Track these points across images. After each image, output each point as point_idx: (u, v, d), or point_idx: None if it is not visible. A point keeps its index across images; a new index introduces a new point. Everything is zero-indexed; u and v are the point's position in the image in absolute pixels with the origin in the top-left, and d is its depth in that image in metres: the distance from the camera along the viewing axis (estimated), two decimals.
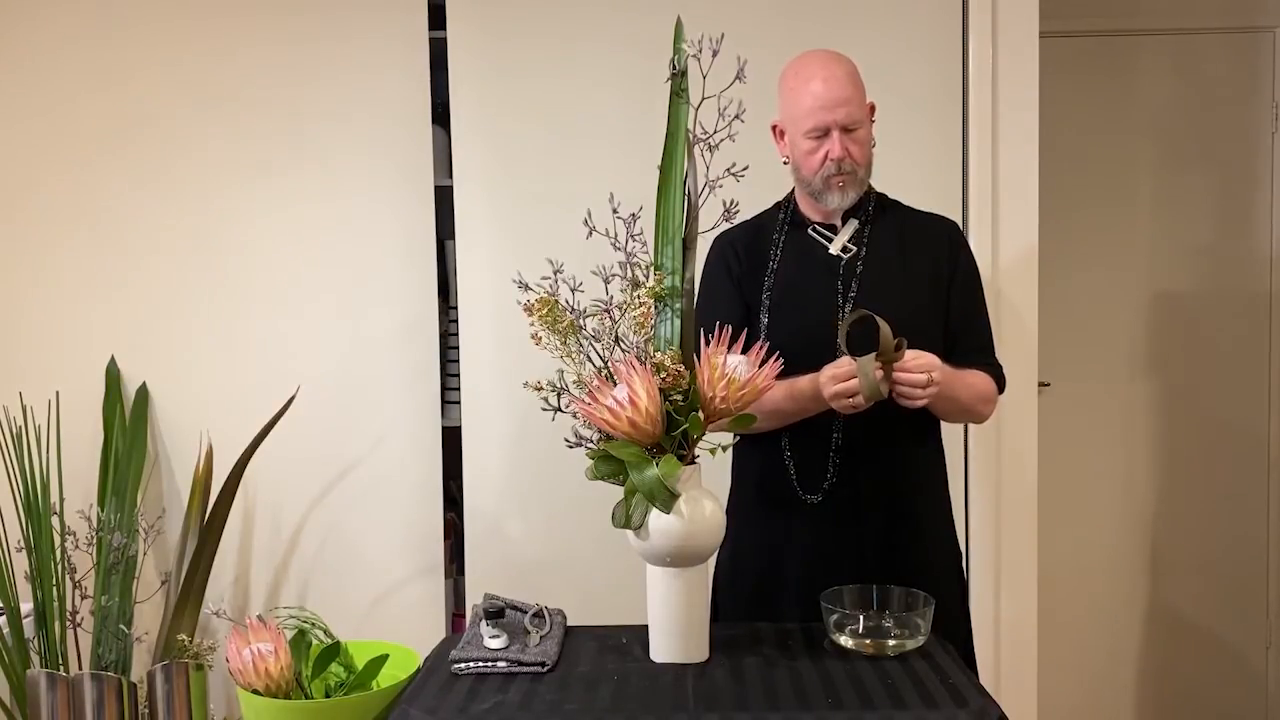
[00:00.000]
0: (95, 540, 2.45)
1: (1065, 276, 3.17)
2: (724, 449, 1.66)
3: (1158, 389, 3.33)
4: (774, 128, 1.94)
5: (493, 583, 2.45)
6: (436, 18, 2.59)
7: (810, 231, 1.95)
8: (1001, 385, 1.98)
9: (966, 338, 1.95)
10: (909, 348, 1.72)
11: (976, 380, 1.90)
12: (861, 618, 1.67)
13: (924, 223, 2.00)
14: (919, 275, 1.92)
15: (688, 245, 1.65)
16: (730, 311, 1.90)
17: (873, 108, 1.92)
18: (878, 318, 1.73)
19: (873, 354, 1.71)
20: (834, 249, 1.92)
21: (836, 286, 1.90)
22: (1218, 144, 3.28)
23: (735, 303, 1.93)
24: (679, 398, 1.56)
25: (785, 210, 1.99)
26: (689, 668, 1.60)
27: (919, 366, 1.72)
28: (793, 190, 2.00)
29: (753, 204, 1.96)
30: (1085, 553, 3.32)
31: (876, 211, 1.96)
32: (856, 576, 1.80)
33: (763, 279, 1.93)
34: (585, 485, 1.62)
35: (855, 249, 1.92)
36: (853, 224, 1.94)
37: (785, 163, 1.95)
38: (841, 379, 1.72)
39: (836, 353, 1.79)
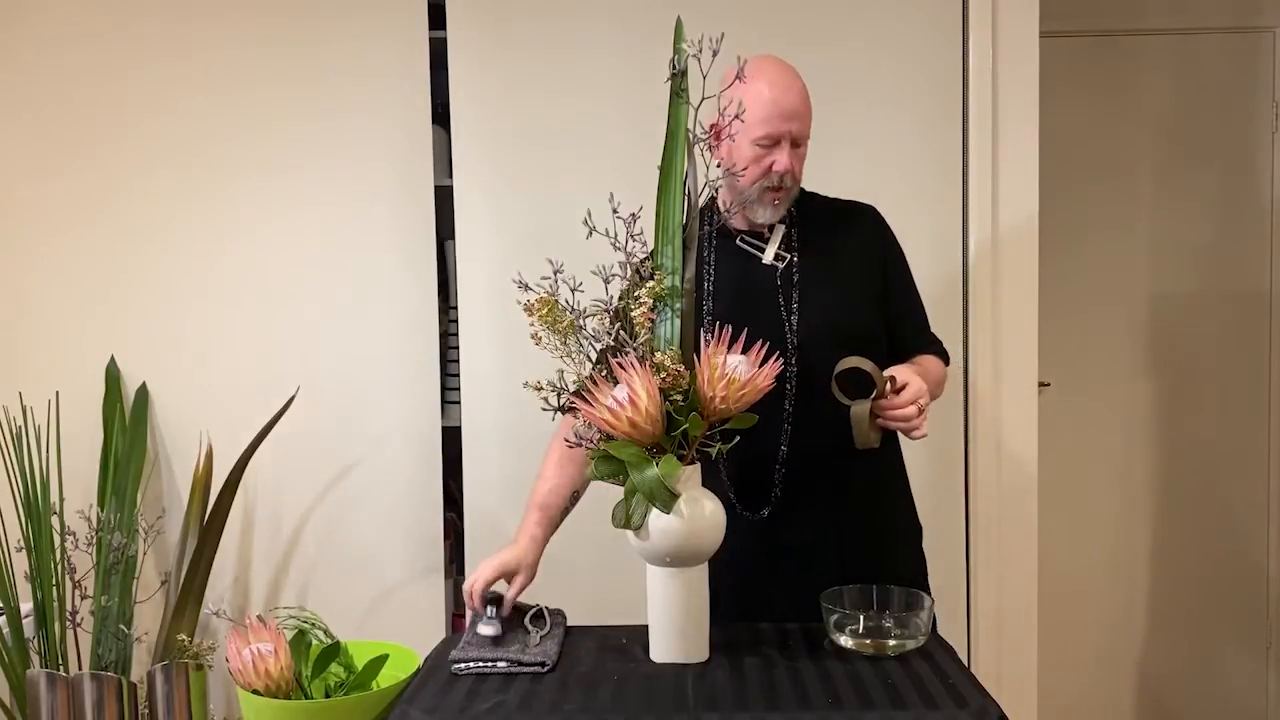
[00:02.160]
0: (95, 540, 2.45)
1: (1065, 276, 3.18)
2: (724, 448, 1.66)
3: (1158, 389, 3.33)
4: (712, 127, 1.82)
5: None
6: (436, 18, 2.59)
7: (740, 243, 1.92)
8: (946, 360, 1.99)
9: (906, 322, 1.96)
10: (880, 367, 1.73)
11: (931, 367, 1.92)
12: (861, 618, 1.67)
13: (847, 214, 1.98)
14: (853, 271, 1.92)
15: (688, 245, 1.65)
16: None
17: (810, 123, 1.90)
18: (866, 364, 1.71)
19: (868, 400, 1.71)
20: (767, 259, 1.90)
21: (777, 300, 1.88)
22: (1218, 144, 3.28)
23: None
24: (679, 398, 1.56)
25: (709, 223, 1.94)
26: (689, 668, 1.60)
27: (906, 399, 1.71)
28: (712, 200, 1.92)
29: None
30: (1085, 553, 3.32)
31: (801, 213, 1.93)
32: (835, 580, 1.77)
33: (701, 299, 1.89)
34: None
35: (788, 256, 1.90)
36: (779, 230, 1.91)
37: (718, 165, 1.86)
38: None
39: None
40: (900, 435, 1.94)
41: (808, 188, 1.96)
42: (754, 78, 1.81)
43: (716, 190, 1.77)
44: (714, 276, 1.92)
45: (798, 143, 1.83)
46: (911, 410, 1.70)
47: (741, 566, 1.88)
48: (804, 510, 1.87)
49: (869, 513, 1.91)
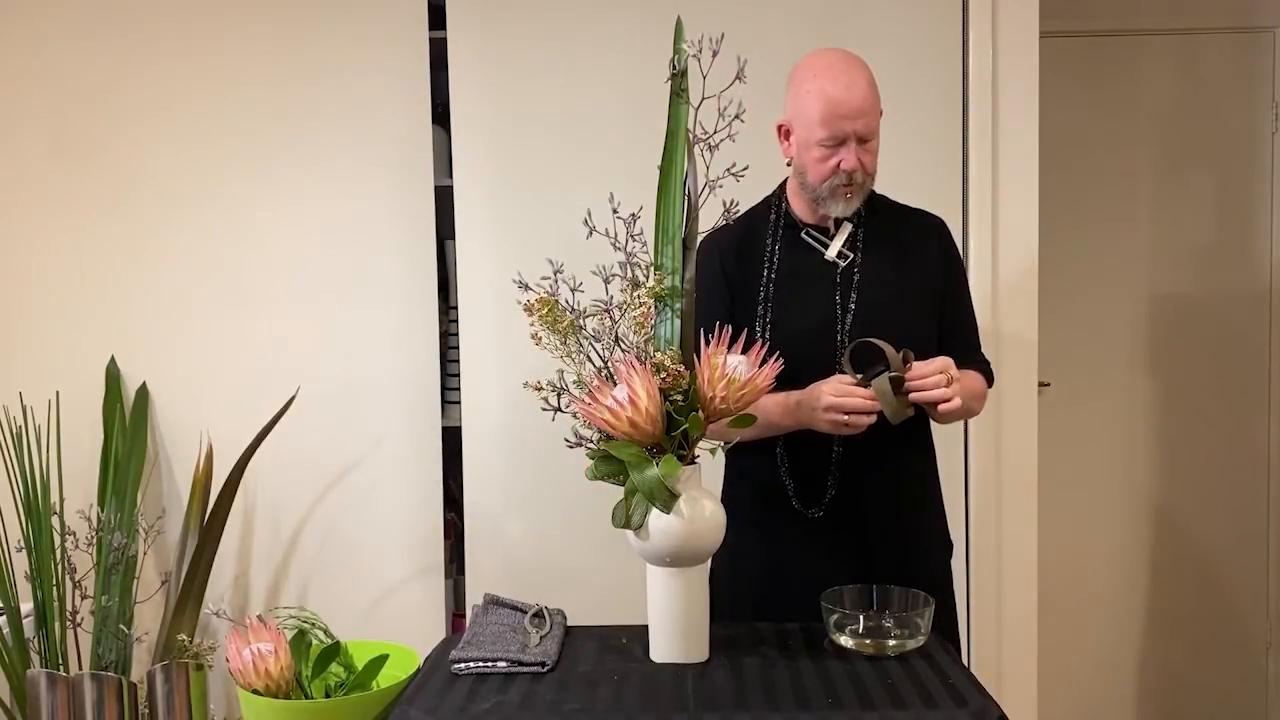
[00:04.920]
0: (95, 540, 2.45)
1: (1065, 276, 3.17)
2: (724, 447, 1.67)
3: (1158, 389, 3.33)
4: (780, 127, 1.89)
5: (493, 583, 2.45)
6: (436, 18, 2.59)
7: (805, 235, 1.93)
8: (991, 380, 1.99)
9: (957, 337, 1.95)
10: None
11: (971, 381, 1.91)
12: (861, 618, 1.67)
13: (915, 222, 1.98)
14: (914, 278, 1.92)
15: (688, 245, 1.65)
16: (724, 315, 1.87)
17: (880, 114, 1.89)
18: (878, 341, 1.74)
19: (885, 373, 1.72)
20: (830, 255, 1.91)
21: (834, 296, 1.89)
22: (1218, 144, 3.28)
23: (727, 306, 1.92)
24: (679, 398, 1.56)
25: (776, 210, 1.96)
26: (689, 668, 1.60)
27: (932, 369, 1.72)
28: (781, 186, 1.98)
29: (752, 204, 1.96)
30: (1085, 552, 3.32)
31: (869, 213, 1.94)
32: (859, 581, 1.79)
33: (757, 285, 1.91)
34: (585, 485, 1.62)
35: (851, 255, 1.91)
36: (846, 227, 1.91)
37: (788, 164, 1.92)
38: (845, 394, 1.72)
39: (838, 371, 1.79)
40: (933, 443, 1.99)
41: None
42: (813, 77, 1.82)
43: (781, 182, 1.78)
44: (775, 264, 1.92)
45: (864, 139, 1.82)
46: (939, 379, 1.71)
47: (787, 560, 1.90)
48: (855, 509, 1.89)
49: (908, 513, 1.93)
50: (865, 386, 1.74)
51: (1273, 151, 3.28)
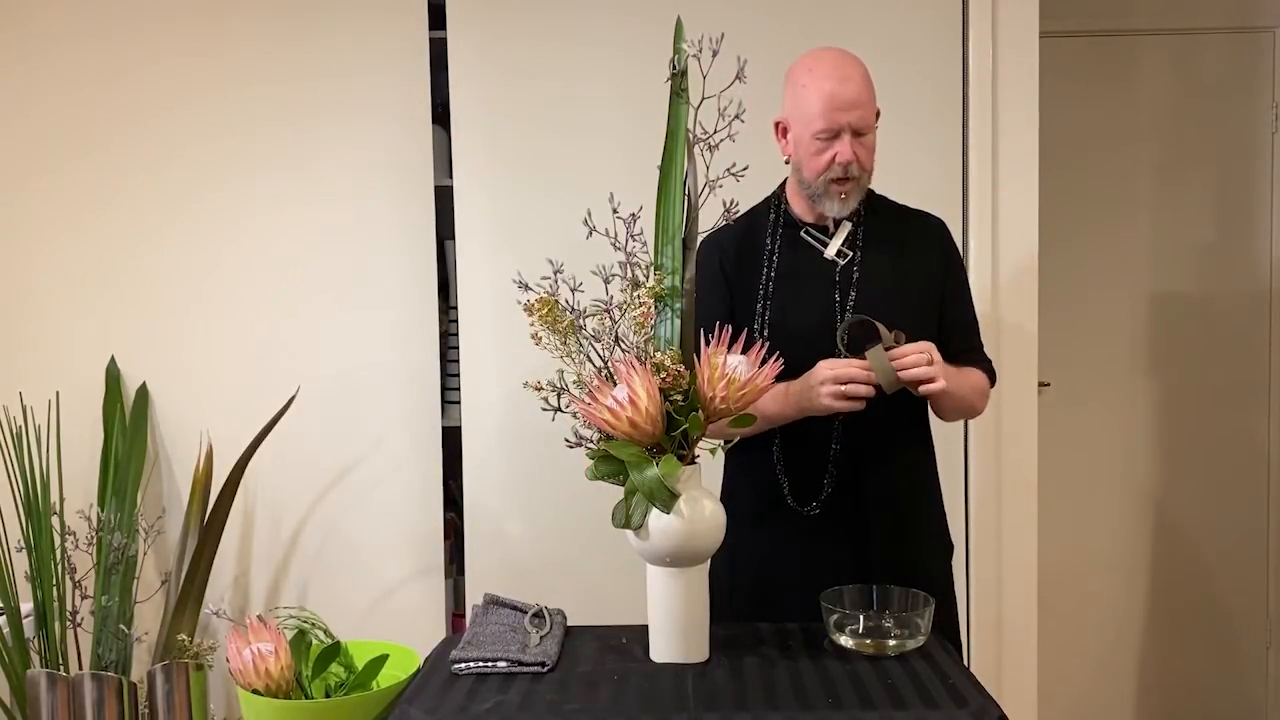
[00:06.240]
0: (95, 540, 2.45)
1: (1065, 276, 3.18)
2: (724, 447, 1.67)
3: (1158, 389, 3.33)
4: (777, 124, 1.90)
5: (493, 583, 2.45)
6: (436, 18, 2.59)
7: (804, 234, 1.93)
8: (993, 379, 2.00)
9: (958, 337, 1.96)
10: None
11: (973, 377, 1.92)
12: (861, 618, 1.67)
13: (915, 223, 1.99)
14: (913, 278, 1.92)
15: (688, 245, 1.65)
16: (724, 314, 1.88)
17: (878, 113, 1.90)
18: (870, 319, 1.76)
19: (879, 345, 1.73)
20: (829, 254, 1.91)
21: (834, 295, 1.89)
22: (1218, 144, 3.28)
23: (728, 305, 1.92)
24: (679, 398, 1.56)
25: (776, 209, 1.97)
26: (689, 668, 1.60)
27: (914, 349, 1.74)
28: (781, 186, 1.98)
29: (752, 204, 1.96)
30: (1085, 552, 3.32)
31: (868, 212, 1.94)
32: (857, 581, 1.80)
33: (757, 284, 1.92)
34: (585, 485, 1.62)
35: (850, 254, 1.91)
36: (846, 226, 1.91)
37: (786, 162, 1.93)
38: (842, 368, 1.72)
39: (837, 354, 1.80)
40: (933, 442, 1.99)
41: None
42: (809, 71, 1.83)
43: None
44: (775, 263, 1.92)
45: (860, 132, 1.82)
46: (920, 358, 1.72)
47: (785, 558, 1.90)
48: (853, 507, 1.89)
49: (907, 513, 1.93)
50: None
51: (1273, 151, 3.28)
